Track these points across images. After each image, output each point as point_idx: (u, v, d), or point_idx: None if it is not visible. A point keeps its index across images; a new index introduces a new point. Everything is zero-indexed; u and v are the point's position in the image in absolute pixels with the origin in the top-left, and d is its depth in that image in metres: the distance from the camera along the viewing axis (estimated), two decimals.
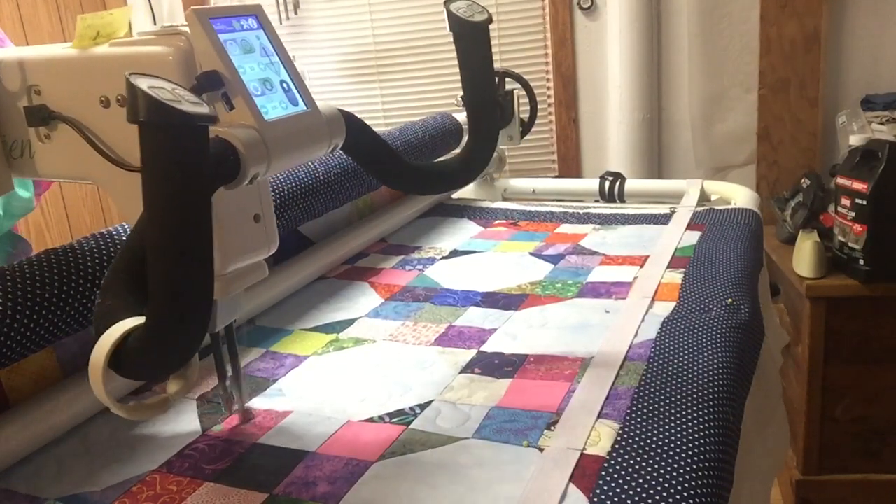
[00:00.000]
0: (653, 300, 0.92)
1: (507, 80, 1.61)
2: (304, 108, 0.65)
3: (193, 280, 0.51)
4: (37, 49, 0.70)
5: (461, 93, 1.66)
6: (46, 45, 0.70)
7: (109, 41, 0.65)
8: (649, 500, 0.56)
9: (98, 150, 0.64)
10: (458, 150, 1.53)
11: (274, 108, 0.62)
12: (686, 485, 0.57)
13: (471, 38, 0.79)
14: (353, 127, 0.70)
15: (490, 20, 0.79)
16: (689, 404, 0.68)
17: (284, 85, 0.64)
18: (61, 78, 0.67)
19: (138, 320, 0.53)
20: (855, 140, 1.79)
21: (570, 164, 2.37)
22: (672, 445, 0.62)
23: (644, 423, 0.65)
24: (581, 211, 1.35)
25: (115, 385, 0.77)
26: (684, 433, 0.63)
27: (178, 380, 0.62)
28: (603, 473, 0.59)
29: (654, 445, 0.62)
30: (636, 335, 0.82)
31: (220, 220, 0.61)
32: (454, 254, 1.16)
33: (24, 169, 0.72)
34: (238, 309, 0.69)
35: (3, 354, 0.66)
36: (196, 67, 0.60)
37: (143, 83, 0.47)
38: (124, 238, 0.78)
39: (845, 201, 1.63)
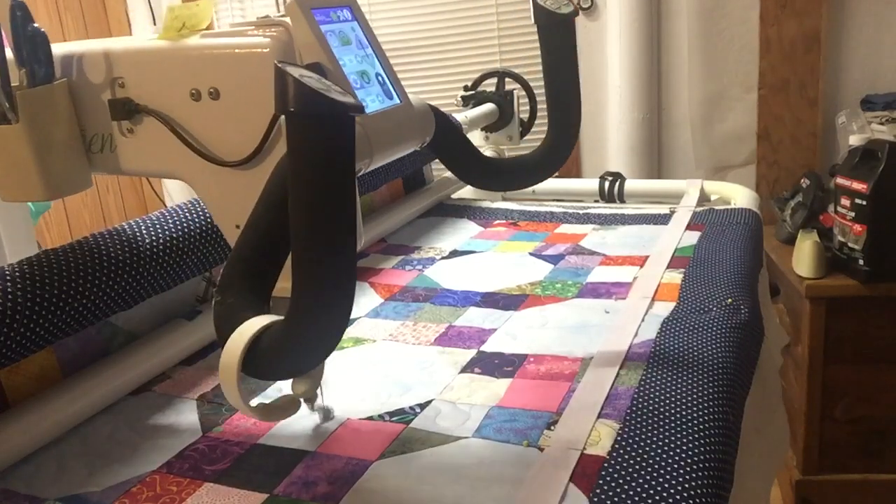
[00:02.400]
0: (653, 300, 0.92)
1: (507, 80, 1.61)
2: (399, 101, 0.64)
3: (343, 273, 0.50)
4: (121, 40, 0.69)
5: (461, 92, 1.66)
6: (130, 36, 0.69)
7: (197, 32, 0.64)
8: (649, 500, 0.56)
9: (188, 146, 0.62)
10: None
11: (372, 101, 0.61)
12: (686, 485, 0.57)
13: (556, 31, 0.78)
14: (441, 122, 0.69)
15: (576, 12, 0.79)
16: (689, 404, 0.68)
17: (380, 78, 0.63)
18: (148, 70, 0.65)
19: (267, 318, 0.52)
20: (855, 140, 1.79)
21: (569, 164, 2.37)
22: (672, 445, 0.62)
23: (644, 423, 0.65)
24: (581, 211, 1.35)
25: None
26: (684, 433, 0.63)
27: (306, 379, 0.61)
28: (603, 473, 0.59)
29: (654, 445, 0.62)
30: (636, 335, 0.82)
31: None
32: (454, 254, 1.16)
33: (105, 164, 0.70)
34: None
35: (3, 354, 0.66)
36: (295, 59, 0.59)
37: (294, 72, 0.46)
38: (124, 238, 0.78)
39: (845, 201, 1.63)
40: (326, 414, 0.71)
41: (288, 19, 0.60)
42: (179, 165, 0.65)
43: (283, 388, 0.77)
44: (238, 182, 0.62)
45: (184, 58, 0.63)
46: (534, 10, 0.78)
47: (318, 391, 0.71)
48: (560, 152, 0.82)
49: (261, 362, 0.52)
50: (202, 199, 0.68)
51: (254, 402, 0.60)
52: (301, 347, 0.52)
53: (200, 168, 0.62)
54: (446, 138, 0.71)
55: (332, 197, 0.48)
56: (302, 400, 0.71)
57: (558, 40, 0.79)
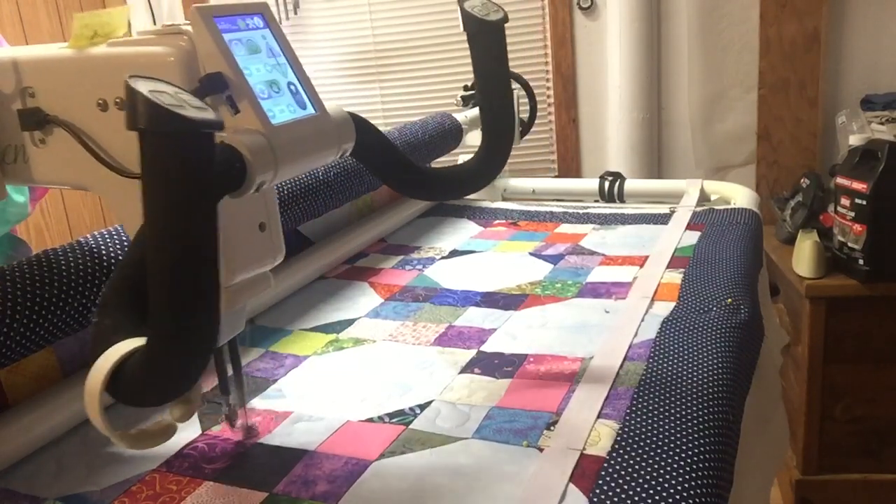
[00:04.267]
0: (652, 300, 0.92)
1: None
2: (313, 111, 0.62)
3: (199, 300, 0.48)
4: (31, 49, 0.67)
5: (461, 92, 1.67)
6: (41, 44, 0.66)
7: (107, 41, 0.62)
8: (649, 500, 0.56)
9: (95, 156, 0.61)
10: (457, 150, 1.53)
11: (281, 111, 0.59)
12: (686, 485, 0.57)
13: (486, 38, 0.76)
14: (363, 131, 0.67)
15: (506, 19, 0.76)
16: (689, 404, 0.68)
17: (292, 87, 0.61)
18: (56, 79, 0.64)
19: (138, 342, 0.50)
20: (855, 140, 1.79)
21: (569, 164, 2.37)
22: (672, 445, 0.62)
23: (644, 423, 0.65)
24: (581, 211, 1.35)
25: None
26: (684, 433, 0.63)
27: (182, 404, 0.58)
28: (603, 473, 0.59)
29: (653, 445, 0.62)
30: (636, 335, 0.82)
31: (224, 230, 0.57)
32: (454, 254, 1.16)
33: (18, 175, 0.68)
34: (242, 322, 0.66)
35: (3, 354, 0.66)
36: (199, 69, 0.58)
37: (144, 87, 0.44)
38: (124, 238, 0.78)
39: (845, 201, 1.63)
40: (249, 432, 0.70)
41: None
42: (90, 176, 0.63)
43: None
44: None
45: (89, 67, 0.62)
46: (462, 17, 0.75)
47: (241, 409, 0.69)
48: (495, 161, 0.79)
49: (125, 388, 0.50)
50: (114, 212, 0.66)
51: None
52: (158, 376, 0.50)
53: (110, 179, 0.60)
54: (370, 148, 0.69)
55: (186, 218, 0.46)
56: (227, 417, 0.69)
57: (488, 47, 0.76)
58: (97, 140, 0.62)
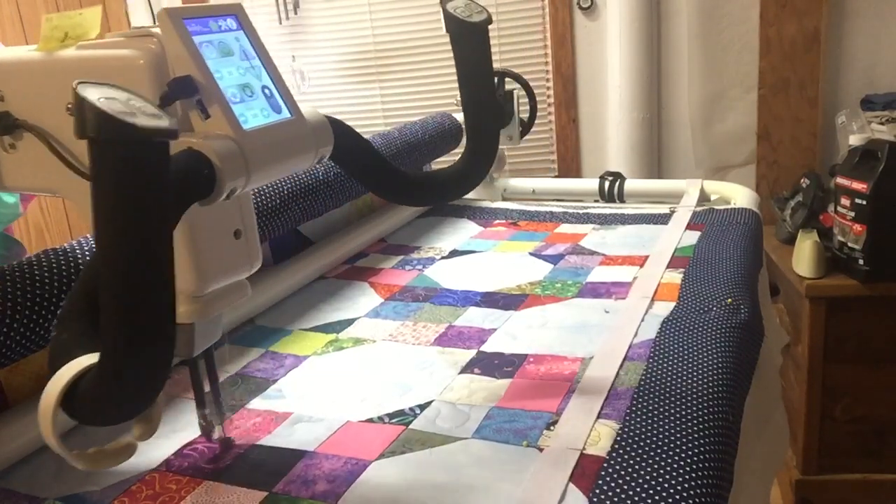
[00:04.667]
0: (652, 300, 0.92)
1: (507, 80, 1.61)
2: (288, 115, 0.60)
3: (149, 319, 0.46)
4: (0, 52, 0.66)
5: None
6: (11, 47, 0.64)
7: (78, 43, 0.61)
8: (649, 500, 0.56)
9: (64, 161, 0.59)
10: (457, 150, 1.53)
11: (254, 116, 0.57)
12: (686, 485, 0.57)
13: (469, 40, 0.75)
14: (342, 135, 0.65)
15: (489, 20, 0.75)
16: (689, 404, 0.68)
17: (266, 91, 0.60)
18: (25, 83, 0.62)
19: (91, 359, 0.48)
20: (855, 140, 1.79)
21: (569, 164, 2.37)
22: (672, 445, 0.62)
23: (644, 423, 0.65)
24: (581, 211, 1.35)
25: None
26: (684, 433, 0.63)
27: (142, 422, 0.57)
28: (602, 473, 0.59)
29: (653, 445, 0.62)
30: (636, 335, 0.82)
31: (197, 238, 0.58)
32: (454, 254, 1.16)
33: None
34: (217, 331, 0.64)
35: (3, 354, 0.66)
36: (169, 72, 0.56)
37: (94, 93, 0.43)
38: None
39: (845, 201, 1.63)
40: (227, 444, 0.69)
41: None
42: (60, 182, 0.62)
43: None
44: None
45: (58, 71, 0.60)
46: (444, 18, 0.74)
47: (218, 423, 0.69)
48: (480, 164, 0.78)
49: (80, 406, 0.49)
50: (84, 219, 0.64)
51: None
52: (111, 395, 0.48)
53: (79, 185, 0.58)
54: (349, 152, 0.68)
55: (138, 229, 0.44)
56: (203, 426, 0.68)
57: (471, 50, 0.75)
58: (67, 145, 0.60)
